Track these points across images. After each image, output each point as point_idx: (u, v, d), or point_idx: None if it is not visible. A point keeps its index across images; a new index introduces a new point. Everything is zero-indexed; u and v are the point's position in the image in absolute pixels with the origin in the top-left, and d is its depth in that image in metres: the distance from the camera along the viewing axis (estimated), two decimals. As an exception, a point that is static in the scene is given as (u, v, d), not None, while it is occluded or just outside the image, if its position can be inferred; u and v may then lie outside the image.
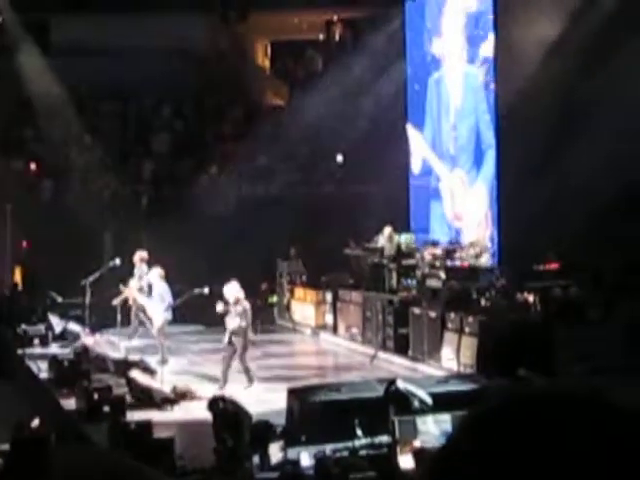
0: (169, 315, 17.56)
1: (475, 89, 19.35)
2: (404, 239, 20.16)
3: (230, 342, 15.12)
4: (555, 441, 0.94)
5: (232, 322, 15.18)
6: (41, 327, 18.87)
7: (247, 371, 15.13)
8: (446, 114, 20.31)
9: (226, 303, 15.39)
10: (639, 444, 0.94)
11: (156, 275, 17.57)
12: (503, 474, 0.96)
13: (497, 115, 18.55)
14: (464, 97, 19.78)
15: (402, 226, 21.11)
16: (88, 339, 18.23)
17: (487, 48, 18.97)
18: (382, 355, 17.52)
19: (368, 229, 20.83)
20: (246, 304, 15.39)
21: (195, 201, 23.79)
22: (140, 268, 18.00)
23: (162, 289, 17.42)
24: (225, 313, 15.30)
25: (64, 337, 18.45)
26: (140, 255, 18.15)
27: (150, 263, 18.11)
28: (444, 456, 1.01)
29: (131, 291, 17.86)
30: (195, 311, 20.19)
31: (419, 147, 21.26)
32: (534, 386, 1.03)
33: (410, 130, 21.51)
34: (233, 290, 15.46)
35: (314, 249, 22.15)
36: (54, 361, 16.24)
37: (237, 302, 15.25)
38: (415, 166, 21.74)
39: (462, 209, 20.03)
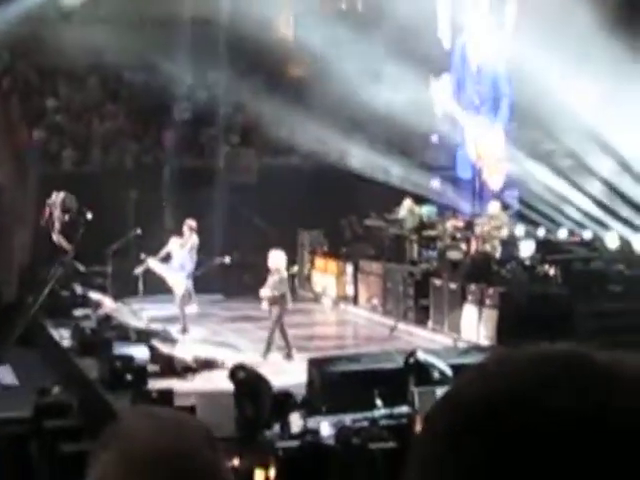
0: (190, 284, 17.64)
1: (495, 47, 21.46)
2: (425, 211, 20.22)
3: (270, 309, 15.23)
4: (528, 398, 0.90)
5: (265, 290, 15.20)
6: (64, 295, 19.00)
7: (269, 344, 15.10)
8: (470, 70, 21.99)
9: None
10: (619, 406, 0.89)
11: (176, 244, 17.59)
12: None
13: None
14: (486, 55, 21.63)
15: (423, 198, 21.27)
16: (110, 308, 18.36)
17: (509, 12, 21.38)
18: (402, 326, 17.53)
19: (389, 201, 20.93)
20: (283, 274, 15.36)
21: (216, 171, 23.79)
22: (190, 237, 17.89)
23: (182, 258, 17.48)
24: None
25: (87, 306, 18.58)
26: (189, 224, 18.01)
27: (198, 232, 17.93)
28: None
29: (153, 261, 17.95)
30: (216, 280, 20.29)
31: (442, 95, 21.91)
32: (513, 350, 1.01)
33: (433, 81, 21.95)
34: (275, 258, 15.48)
35: (335, 220, 22.17)
36: (76, 329, 16.36)
37: (275, 271, 15.24)
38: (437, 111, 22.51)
39: (483, 150, 21.20)
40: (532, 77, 19.45)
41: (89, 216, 19.55)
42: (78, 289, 19.28)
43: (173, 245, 17.68)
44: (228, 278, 20.96)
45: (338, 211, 22.11)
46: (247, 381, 11.79)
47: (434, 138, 23.50)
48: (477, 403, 0.92)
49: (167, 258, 17.81)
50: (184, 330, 17.17)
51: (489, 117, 21.53)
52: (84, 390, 13.18)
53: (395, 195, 21.14)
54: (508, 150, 21.05)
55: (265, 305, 15.22)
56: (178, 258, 17.48)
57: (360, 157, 23.51)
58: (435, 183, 22.82)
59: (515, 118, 21.57)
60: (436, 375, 11.78)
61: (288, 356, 15.00)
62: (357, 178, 22.88)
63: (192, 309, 17.92)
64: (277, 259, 15.50)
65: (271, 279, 15.21)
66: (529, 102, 20.03)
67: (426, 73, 21.31)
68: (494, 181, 20.85)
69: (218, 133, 24.79)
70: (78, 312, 18.28)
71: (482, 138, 21.42)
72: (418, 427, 10.59)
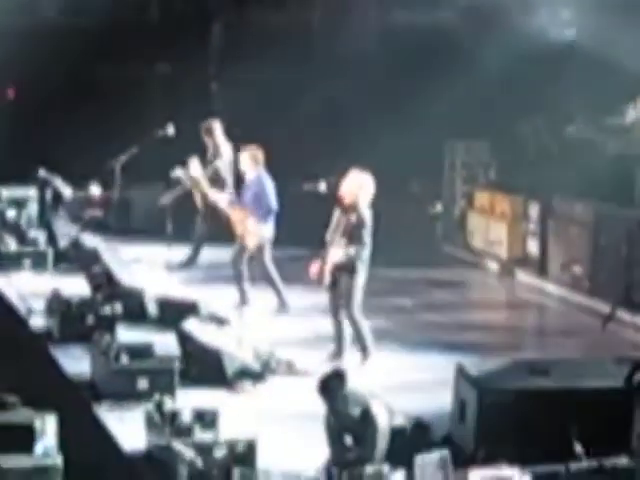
0: (270, 230, 17.90)
1: None
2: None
3: (335, 284, 15.11)
4: None
5: (336, 247, 15.10)
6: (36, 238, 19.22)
7: (360, 339, 15.19)
8: None
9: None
10: None
11: (248, 161, 17.95)
12: None
13: None
14: None
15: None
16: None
17: None
18: (624, 316, 17.79)
19: (607, 91, 20.97)
20: (366, 214, 15.10)
21: (301, 28, 23.83)
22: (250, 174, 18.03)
23: (259, 185, 17.84)
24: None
25: (73, 257, 18.75)
26: (250, 154, 18.01)
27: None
28: None
29: (198, 181, 18.05)
30: (302, 225, 20.41)
31: None
32: None
33: None
34: (348, 186, 15.14)
35: (510, 123, 22.08)
36: (56, 300, 16.55)
37: (350, 208, 15.02)
38: None
39: None
40: None
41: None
42: (61, 228, 19.48)
43: (244, 162, 17.99)
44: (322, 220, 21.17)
45: (515, 108, 22.05)
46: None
47: None
48: None
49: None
50: (243, 303, 17.49)
51: None
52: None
53: (620, 80, 21.01)
54: None
55: (327, 277, 15.03)
56: (252, 185, 17.79)
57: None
58: None
59: None
60: (685, 405, 11.71)
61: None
62: (554, 48, 22.73)
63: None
64: (351, 185, 15.02)
65: (343, 224, 14.99)
66: None
67: None
68: None
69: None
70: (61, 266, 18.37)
71: None
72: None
